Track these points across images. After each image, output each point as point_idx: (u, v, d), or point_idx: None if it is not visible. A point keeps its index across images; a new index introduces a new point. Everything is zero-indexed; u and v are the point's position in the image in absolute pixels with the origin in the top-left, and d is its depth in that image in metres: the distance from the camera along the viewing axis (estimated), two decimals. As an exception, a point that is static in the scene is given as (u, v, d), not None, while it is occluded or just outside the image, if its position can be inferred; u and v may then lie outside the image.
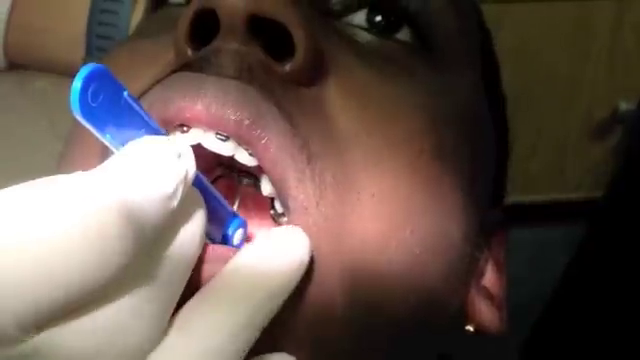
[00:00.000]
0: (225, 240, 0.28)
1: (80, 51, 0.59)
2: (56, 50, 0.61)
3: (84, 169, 0.31)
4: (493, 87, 0.43)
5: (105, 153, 0.30)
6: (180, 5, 0.38)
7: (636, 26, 0.99)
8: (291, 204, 0.28)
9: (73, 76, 0.21)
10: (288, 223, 0.28)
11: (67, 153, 0.34)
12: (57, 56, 0.61)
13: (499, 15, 0.93)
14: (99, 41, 0.58)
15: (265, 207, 0.31)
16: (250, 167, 0.29)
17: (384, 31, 0.34)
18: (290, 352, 0.28)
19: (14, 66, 0.63)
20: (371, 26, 0.34)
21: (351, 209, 0.29)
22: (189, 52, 0.30)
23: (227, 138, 0.28)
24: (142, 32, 0.38)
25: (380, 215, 0.30)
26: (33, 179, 0.21)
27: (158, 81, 0.30)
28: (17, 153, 0.57)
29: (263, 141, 0.28)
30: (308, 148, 0.29)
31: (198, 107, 0.28)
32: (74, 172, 0.22)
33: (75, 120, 0.22)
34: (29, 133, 0.59)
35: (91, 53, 0.58)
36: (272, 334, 0.27)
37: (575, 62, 1.01)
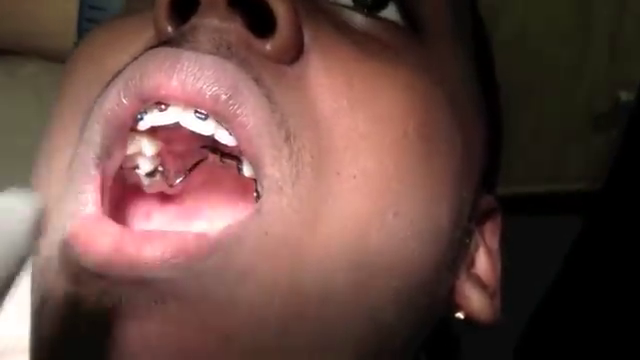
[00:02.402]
0: None
1: (71, 36, 0.59)
2: (47, 36, 0.60)
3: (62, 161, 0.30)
4: (486, 73, 0.42)
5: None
6: None
7: (637, 16, 0.98)
8: (265, 183, 0.28)
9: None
10: (261, 202, 0.28)
11: (47, 141, 0.34)
12: (48, 42, 0.61)
13: (499, 3, 0.92)
14: (90, 25, 0.58)
15: (250, 191, 0.30)
16: (232, 148, 0.29)
17: (370, 9, 0.34)
18: (260, 339, 0.27)
19: (3, 52, 0.62)
20: (356, 3, 0.34)
21: (329, 190, 0.28)
22: (169, 29, 0.29)
23: (207, 117, 0.28)
24: (125, 11, 0.38)
25: (361, 197, 0.29)
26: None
27: (135, 59, 0.29)
28: (7, 138, 0.56)
29: (240, 117, 0.27)
30: (287, 125, 0.28)
31: (173, 83, 0.27)
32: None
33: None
34: (20, 118, 0.58)
35: (82, 37, 0.58)
36: (242, 322, 0.26)
37: (575, 52, 1.01)
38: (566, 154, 1.08)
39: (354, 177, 0.29)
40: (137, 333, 0.26)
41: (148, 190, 0.33)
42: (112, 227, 0.27)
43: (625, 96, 1.02)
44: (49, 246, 0.29)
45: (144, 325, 0.26)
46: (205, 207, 0.34)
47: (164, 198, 0.34)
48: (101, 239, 0.26)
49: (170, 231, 0.27)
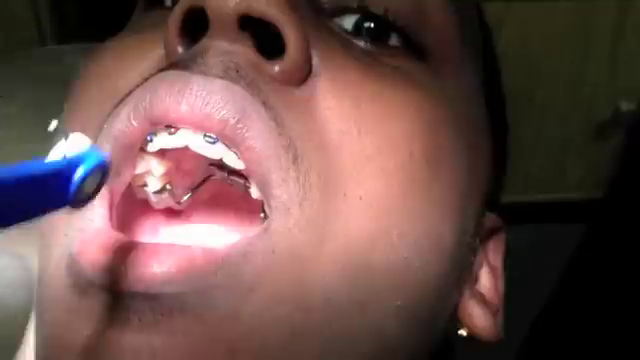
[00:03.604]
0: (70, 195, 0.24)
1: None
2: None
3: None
4: (493, 88, 0.42)
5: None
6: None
7: (638, 27, 0.99)
8: (273, 204, 0.28)
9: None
10: (268, 221, 0.28)
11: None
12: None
13: (501, 14, 0.93)
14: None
15: (257, 211, 0.31)
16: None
17: (375, 38, 0.34)
18: (265, 353, 0.27)
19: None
20: (361, 32, 0.34)
21: (336, 211, 0.29)
22: (179, 49, 0.29)
23: (216, 141, 0.28)
24: (132, 29, 0.38)
25: (366, 217, 0.29)
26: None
27: (146, 79, 0.29)
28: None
29: (248, 141, 0.27)
30: (294, 147, 0.28)
31: (183, 107, 0.27)
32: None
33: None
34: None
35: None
36: (248, 336, 0.27)
37: (576, 62, 1.01)
38: (566, 163, 1.08)
39: (360, 198, 0.29)
40: (145, 345, 0.26)
41: (156, 206, 0.33)
42: (120, 241, 0.28)
43: (625, 106, 1.02)
44: (56, 259, 0.30)
45: (152, 337, 0.26)
46: (211, 222, 0.34)
47: (171, 212, 0.34)
48: (108, 252, 0.27)
49: (177, 245, 0.28)
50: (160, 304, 0.26)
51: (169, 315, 0.26)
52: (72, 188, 0.23)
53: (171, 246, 0.27)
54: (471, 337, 0.38)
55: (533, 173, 1.05)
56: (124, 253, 0.27)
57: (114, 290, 0.27)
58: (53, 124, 0.26)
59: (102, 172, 0.24)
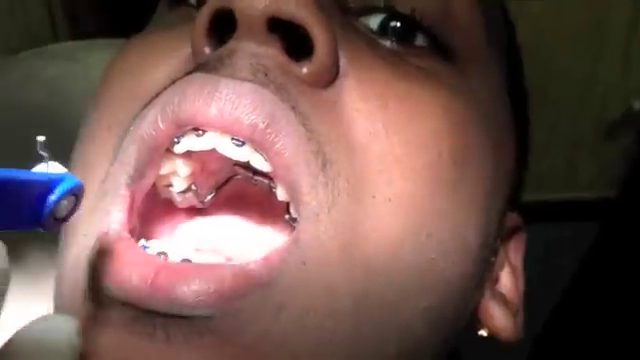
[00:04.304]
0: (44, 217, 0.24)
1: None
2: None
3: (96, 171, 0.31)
4: (516, 84, 0.42)
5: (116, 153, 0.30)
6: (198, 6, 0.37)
7: (653, 25, 0.98)
8: (302, 210, 0.28)
9: None
10: (298, 230, 0.28)
11: (81, 153, 0.34)
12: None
13: (513, 12, 0.92)
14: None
15: (280, 210, 0.31)
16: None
17: (401, 38, 0.34)
18: None
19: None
20: (387, 31, 0.33)
21: (365, 214, 0.29)
22: (206, 50, 0.29)
23: (243, 143, 0.28)
24: (157, 27, 0.38)
25: (395, 219, 0.29)
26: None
27: (173, 81, 0.30)
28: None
29: (277, 146, 0.27)
30: (323, 152, 0.28)
31: (211, 111, 0.27)
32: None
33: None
34: None
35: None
36: (278, 350, 0.27)
37: (589, 60, 1.00)
38: (578, 162, 1.08)
39: (389, 200, 0.29)
40: (173, 358, 0.26)
41: (179, 205, 0.33)
42: (144, 257, 0.27)
43: (637, 105, 1.02)
44: (74, 262, 0.30)
45: (181, 353, 0.26)
46: (232, 220, 0.34)
47: (192, 209, 0.34)
48: (133, 270, 0.27)
49: (204, 265, 0.27)
50: (190, 326, 0.26)
51: (199, 336, 0.26)
52: (46, 209, 0.23)
53: (198, 267, 0.27)
54: (491, 337, 0.38)
55: (545, 172, 1.05)
56: (148, 271, 0.26)
57: (136, 305, 0.26)
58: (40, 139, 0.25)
59: (75, 198, 0.24)
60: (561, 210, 1.07)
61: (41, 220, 0.23)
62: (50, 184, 0.23)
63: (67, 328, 0.23)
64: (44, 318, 0.23)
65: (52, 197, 0.23)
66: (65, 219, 0.24)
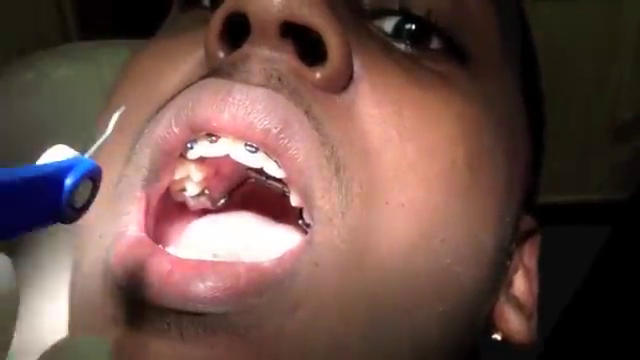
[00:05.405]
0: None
1: None
2: None
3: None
4: (532, 86, 0.41)
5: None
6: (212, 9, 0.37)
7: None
8: (316, 215, 0.28)
9: None
10: (312, 233, 0.28)
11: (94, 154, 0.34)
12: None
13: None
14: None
15: (294, 214, 0.31)
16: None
17: (415, 41, 0.33)
18: None
19: None
20: (401, 34, 0.33)
21: (378, 219, 0.28)
22: (220, 54, 0.29)
23: (257, 150, 0.28)
24: (170, 29, 0.38)
25: (409, 225, 0.29)
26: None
27: (187, 86, 0.30)
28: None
29: (290, 150, 0.27)
30: (336, 157, 0.28)
31: (225, 116, 0.27)
32: None
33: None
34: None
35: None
36: (291, 350, 0.27)
37: (601, 62, 1.00)
38: (589, 164, 1.07)
39: (402, 206, 0.29)
40: (187, 355, 0.26)
41: (192, 208, 0.33)
42: (159, 255, 0.27)
43: (649, 107, 1.01)
44: (91, 263, 0.30)
45: (194, 349, 0.26)
46: (245, 221, 0.34)
47: (205, 211, 0.34)
48: (150, 268, 0.27)
49: (220, 262, 0.27)
50: (203, 322, 0.26)
51: (213, 332, 0.26)
52: (64, 198, 0.21)
53: (213, 264, 0.27)
54: (505, 341, 0.38)
55: (555, 174, 1.05)
56: (164, 269, 0.27)
57: (151, 302, 0.26)
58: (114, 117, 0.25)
59: (93, 181, 0.22)
60: (572, 212, 1.06)
61: (59, 213, 0.21)
62: (63, 172, 0.21)
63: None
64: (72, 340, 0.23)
65: (67, 183, 0.21)
66: (85, 208, 0.22)
